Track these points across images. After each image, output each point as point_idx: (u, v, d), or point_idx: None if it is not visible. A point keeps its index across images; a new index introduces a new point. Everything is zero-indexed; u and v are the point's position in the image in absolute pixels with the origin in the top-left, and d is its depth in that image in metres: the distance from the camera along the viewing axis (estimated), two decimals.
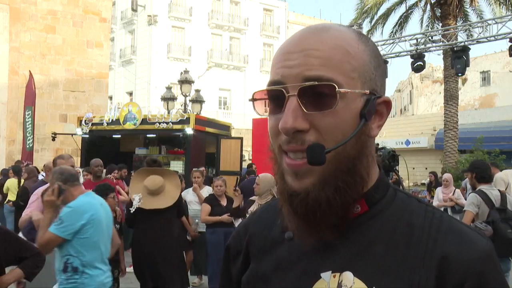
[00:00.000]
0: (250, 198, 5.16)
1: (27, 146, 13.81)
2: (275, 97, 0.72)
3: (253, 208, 4.96)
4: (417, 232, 0.71)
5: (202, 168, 8.01)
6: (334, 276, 0.71)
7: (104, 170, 8.19)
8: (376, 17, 17.77)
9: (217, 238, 5.46)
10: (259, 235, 0.85)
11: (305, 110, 0.68)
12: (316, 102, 0.69)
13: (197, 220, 6.08)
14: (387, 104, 0.75)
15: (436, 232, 0.70)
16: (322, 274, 0.72)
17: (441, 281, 0.66)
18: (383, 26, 17.90)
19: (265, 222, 0.86)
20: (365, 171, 0.73)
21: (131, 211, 4.50)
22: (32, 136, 13.90)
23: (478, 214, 4.30)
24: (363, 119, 0.71)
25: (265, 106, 0.76)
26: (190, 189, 6.53)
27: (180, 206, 4.87)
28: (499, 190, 4.61)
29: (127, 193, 7.86)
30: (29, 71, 14.71)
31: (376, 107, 0.73)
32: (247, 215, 4.95)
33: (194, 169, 6.86)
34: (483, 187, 4.45)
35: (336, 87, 0.68)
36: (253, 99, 0.76)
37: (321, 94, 0.69)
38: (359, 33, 0.75)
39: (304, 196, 0.70)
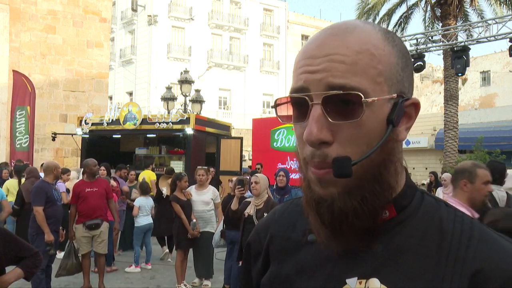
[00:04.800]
0: (246, 200, 5.14)
1: (18, 146, 13.75)
2: (299, 104, 0.69)
3: (249, 210, 4.95)
4: (448, 238, 0.68)
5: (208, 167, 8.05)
6: (360, 283, 0.69)
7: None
8: (377, 18, 17.80)
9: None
10: (280, 236, 0.83)
11: (329, 119, 0.66)
12: (341, 111, 0.66)
13: (194, 220, 6.07)
14: (416, 105, 0.72)
15: (468, 239, 0.67)
16: (348, 280, 0.70)
17: None
18: (387, 27, 17.93)
19: (286, 222, 0.84)
20: (393, 179, 0.70)
21: (163, 196, 7.67)
22: (27, 136, 13.85)
23: None
24: (390, 126, 0.68)
25: (285, 111, 0.73)
26: (193, 186, 6.41)
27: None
28: (506, 192, 4.55)
29: (122, 191, 8.02)
30: (13, 70, 14.67)
31: (404, 110, 0.70)
32: (246, 216, 4.95)
33: (198, 167, 6.70)
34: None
35: (362, 96, 0.64)
36: (276, 105, 0.73)
37: (347, 103, 0.66)
38: (385, 32, 0.71)
39: (330, 203, 0.68)
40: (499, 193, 4.35)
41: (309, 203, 0.72)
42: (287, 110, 0.72)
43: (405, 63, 0.71)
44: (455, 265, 0.66)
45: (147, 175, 10.14)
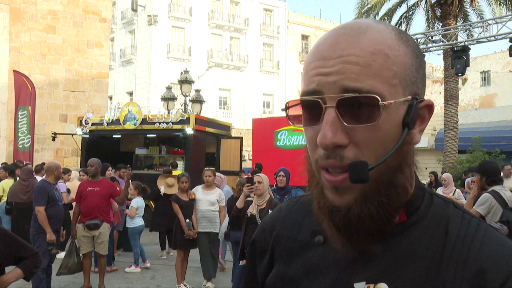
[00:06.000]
0: (247, 199, 5.14)
1: (21, 146, 13.81)
2: (311, 107, 0.67)
3: (252, 209, 4.95)
4: (452, 240, 0.67)
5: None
6: (368, 287, 0.68)
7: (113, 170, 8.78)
8: (377, 18, 17.80)
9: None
10: (286, 236, 0.81)
11: (344, 123, 0.64)
12: (356, 115, 0.64)
13: (188, 220, 6.06)
14: (429, 107, 0.70)
15: (471, 241, 0.66)
16: (356, 285, 0.69)
17: None
18: None
19: (292, 222, 0.82)
20: (408, 182, 0.69)
21: (161, 194, 8.22)
22: (29, 136, 13.88)
23: (490, 215, 4.23)
24: (406, 128, 0.66)
25: (297, 115, 0.71)
26: (199, 186, 6.41)
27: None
28: (511, 191, 4.56)
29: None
30: (13, 70, 14.69)
31: (418, 112, 0.68)
32: (248, 215, 4.95)
33: (206, 168, 6.69)
34: (497, 188, 4.39)
35: (380, 99, 0.63)
36: (287, 108, 0.71)
37: (362, 106, 0.64)
38: (399, 32, 0.69)
39: (345, 212, 0.67)
40: (506, 193, 4.34)
41: (322, 210, 0.71)
42: (299, 113, 0.70)
43: (418, 63, 0.70)
44: (456, 268, 0.65)
45: None
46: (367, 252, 0.69)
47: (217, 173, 7.26)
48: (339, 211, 0.67)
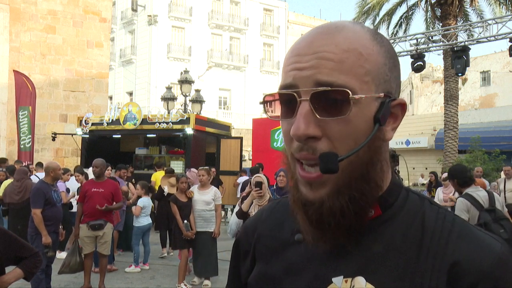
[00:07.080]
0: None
1: (22, 147, 13.83)
2: (287, 101, 0.70)
3: (253, 210, 4.96)
4: (428, 235, 0.69)
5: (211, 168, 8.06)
6: (346, 281, 0.70)
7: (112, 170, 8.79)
8: (378, 18, 17.81)
9: None
10: (268, 236, 0.83)
11: (317, 115, 0.66)
12: (329, 108, 0.66)
13: (186, 221, 6.08)
14: (402, 106, 0.73)
15: (448, 235, 0.68)
16: (334, 279, 0.71)
17: (452, 287, 0.65)
18: (388, 27, 17.95)
19: (273, 222, 0.84)
20: (379, 177, 0.71)
21: (164, 194, 8.10)
22: (30, 136, 13.90)
23: (469, 218, 4.25)
24: (377, 124, 0.68)
25: (273, 108, 0.73)
26: (195, 186, 6.41)
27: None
28: (486, 190, 4.60)
29: (122, 191, 8.18)
30: (14, 70, 14.71)
31: (390, 110, 0.70)
32: (250, 216, 4.96)
33: (200, 167, 6.67)
34: (469, 190, 4.42)
35: (350, 93, 0.65)
36: (264, 102, 0.74)
37: (334, 100, 0.66)
38: (374, 33, 0.72)
39: (318, 206, 0.69)
40: (480, 194, 4.36)
41: (296, 203, 0.73)
42: (276, 107, 0.73)
43: (392, 64, 0.72)
44: (434, 261, 0.67)
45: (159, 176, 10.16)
46: (345, 247, 0.71)
47: (192, 169, 7.25)
48: (312, 204, 0.69)
